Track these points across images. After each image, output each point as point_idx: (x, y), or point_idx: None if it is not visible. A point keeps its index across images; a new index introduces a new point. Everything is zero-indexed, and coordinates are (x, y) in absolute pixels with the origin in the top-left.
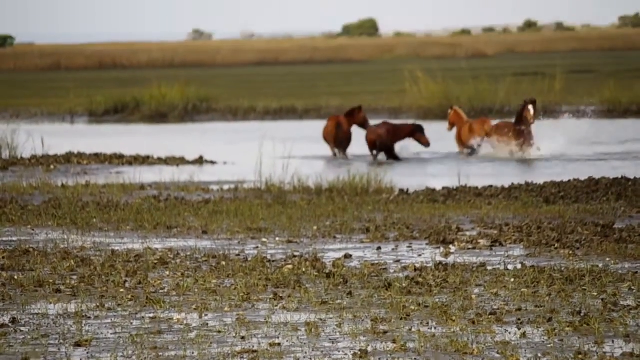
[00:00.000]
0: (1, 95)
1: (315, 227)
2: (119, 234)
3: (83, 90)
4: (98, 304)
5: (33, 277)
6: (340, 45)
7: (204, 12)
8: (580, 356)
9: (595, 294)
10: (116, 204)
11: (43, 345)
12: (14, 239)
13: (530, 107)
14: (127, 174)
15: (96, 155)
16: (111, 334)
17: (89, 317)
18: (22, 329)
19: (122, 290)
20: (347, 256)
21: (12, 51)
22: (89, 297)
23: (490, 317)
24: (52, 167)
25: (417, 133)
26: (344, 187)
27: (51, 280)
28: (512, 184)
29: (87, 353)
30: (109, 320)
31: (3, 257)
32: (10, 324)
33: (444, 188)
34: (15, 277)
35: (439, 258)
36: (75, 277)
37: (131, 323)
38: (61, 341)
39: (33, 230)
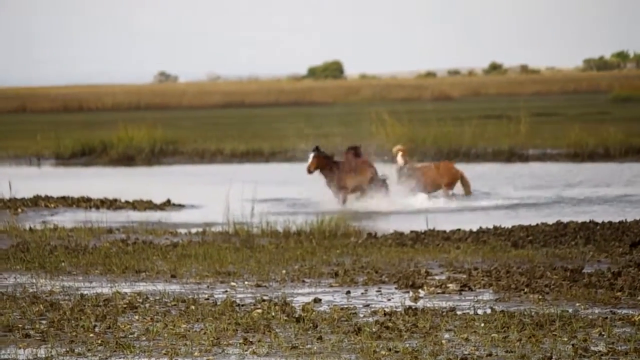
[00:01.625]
0: None
1: (284, 271)
2: (88, 278)
3: (50, 132)
4: (68, 349)
5: (2, 322)
6: (306, 88)
7: (169, 54)
8: None
9: (566, 339)
10: (84, 247)
11: None
12: None
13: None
14: (95, 217)
15: (63, 198)
16: None
17: None
18: None
19: (91, 335)
20: (317, 300)
21: None
22: (58, 342)
23: None
24: (19, 210)
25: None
26: (312, 231)
27: (20, 325)
28: (480, 227)
29: None
30: None
31: None
32: None
33: (412, 232)
34: None
35: (408, 302)
36: (44, 322)
37: None
38: None
39: (1, 274)
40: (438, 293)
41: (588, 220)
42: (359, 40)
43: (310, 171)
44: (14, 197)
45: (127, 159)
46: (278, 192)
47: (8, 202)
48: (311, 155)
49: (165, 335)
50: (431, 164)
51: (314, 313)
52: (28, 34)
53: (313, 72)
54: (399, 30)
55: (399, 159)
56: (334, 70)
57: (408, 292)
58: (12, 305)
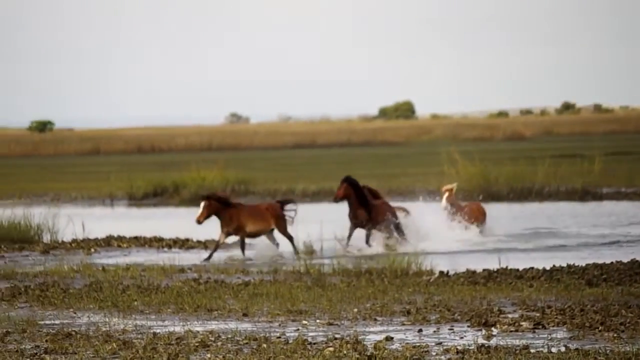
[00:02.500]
0: (42, 179)
1: (355, 310)
2: (160, 317)
3: (122, 174)
4: None
5: None
6: (377, 128)
7: (240, 95)
8: None
9: None
10: (157, 286)
11: None
12: (57, 322)
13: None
14: (167, 257)
15: (136, 238)
16: None
17: None
18: None
19: None
20: (388, 338)
21: (52, 136)
22: None
23: None
24: (92, 250)
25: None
26: (383, 269)
27: None
28: (554, 266)
29: None
30: None
31: (46, 341)
32: None
33: (484, 270)
34: None
35: (481, 340)
36: None
37: None
38: None
39: (75, 313)
40: (511, 331)
41: None
42: (430, 80)
43: (200, 222)
44: (87, 238)
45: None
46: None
47: (81, 242)
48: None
49: None
50: (472, 203)
51: (385, 351)
52: (105, 77)
53: (384, 113)
54: (469, 69)
55: (444, 199)
56: (405, 110)
57: (481, 330)
58: (85, 344)
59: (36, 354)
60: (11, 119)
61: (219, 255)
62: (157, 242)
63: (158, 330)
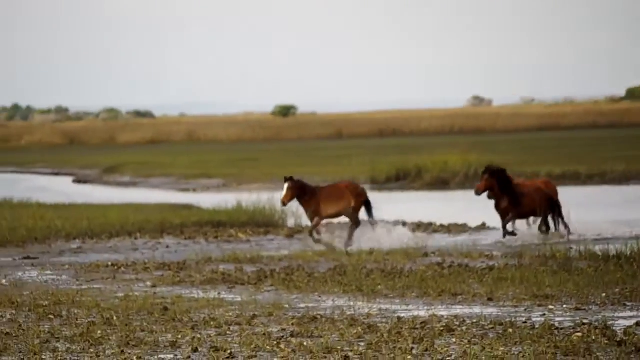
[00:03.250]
0: (285, 163)
1: (603, 294)
2: (404, 301)
3: (364, 157)
4: None
5: (322, 344)
6: (624, 109)
7: (483, 78)
8: None
9: None
10: (400, 270)
11: None
12: (302, 306)
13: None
14: (411, 241)
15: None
16: None
17: None
18: None
19: (409, 357)
20: (639, 324)
21: (295, 121)
22: None
23: None
24: (335, 233)
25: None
26: (632, 254)
27: (339, 347)
28: None
29: None
30: None
31: (292, 324)
32: None
33: None
34: (305, 344)
35: None
36: (362, 344)
37: None
38: None
39: (320, 297)
40: None
41: None
42: None
43: (284, 203)
44: (330, 222)
45: (442, 183)
46: (595, 215)
47: (325, 226)
48: (285, 186)
49: (483, 358)
50: None
51: (636, 337)
52: (345, 62)
53: (632, 94)
54: None
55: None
56: None
57: None
58: (330, 327)
59: (282, 337)
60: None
61: (464, 240)
62: (400, 227)
63: (402, 315)
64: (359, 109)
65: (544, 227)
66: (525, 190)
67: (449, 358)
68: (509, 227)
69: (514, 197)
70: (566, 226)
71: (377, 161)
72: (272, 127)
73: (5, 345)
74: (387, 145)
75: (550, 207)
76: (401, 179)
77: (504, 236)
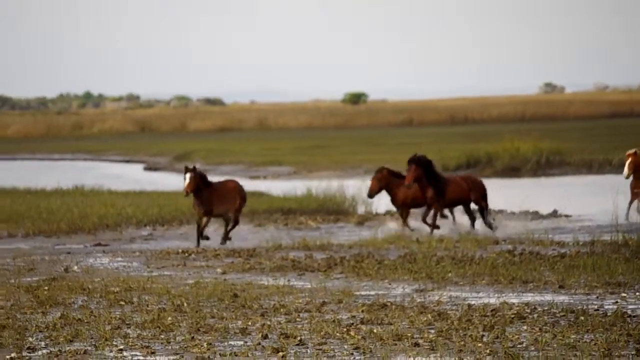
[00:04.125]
0: (355, 151)
1: None
2: (475, 288)
3: (435, 145)
4: (456, 358)
5: (392, 331)
6: None
7: (555, 65)
8: None
9: None
10: (471, 258)
11: None
12: (372, 292)
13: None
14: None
15: None
16: None
17: None
18: None
19: (479, 344)
20: None
21: (366, 108)
22: (447, 350)
23: None
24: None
25: None
26: None
27: (409, 334)
28: None
29: None
30: None
31: (362, 311)
32: None
33: None
34: (375, 331)
35: None
36: (432, 331)
37: None
38: None
39: (390, 284)
40: None
41: None
42: None
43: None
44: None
45: (513, 170)
46: None
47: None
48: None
49: (555, 345)
50: None
51: None
52: (409, 49)
53: None
54: None
55: (626, 166)
56: None
57: None
58: (400, 314)
59: (352, 324)
60: (327, 89)
61: (534, 226)
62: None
63: (473, 302)
64: (430, 96)
65: (470, 216)
66: (451, 179)
67: (520, 345)
68: (438, 220)
69: (438, 187)
70: (490, 225)
71: (448, 148)
72: (342, 115)
73: (77, 331)
74: (458, 133)
75: (482, 197)
76: (472, 166)
77: (431, 232)
